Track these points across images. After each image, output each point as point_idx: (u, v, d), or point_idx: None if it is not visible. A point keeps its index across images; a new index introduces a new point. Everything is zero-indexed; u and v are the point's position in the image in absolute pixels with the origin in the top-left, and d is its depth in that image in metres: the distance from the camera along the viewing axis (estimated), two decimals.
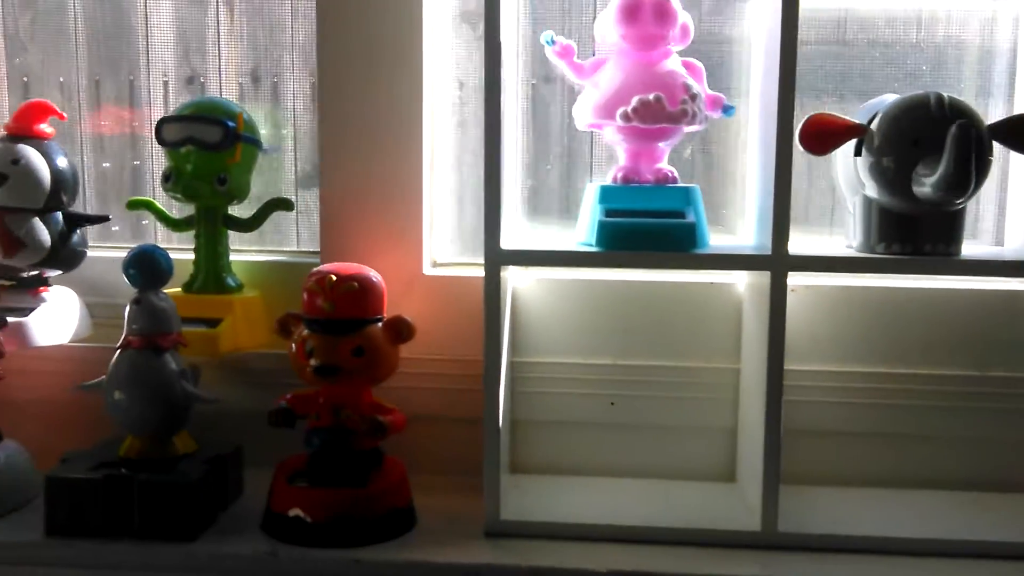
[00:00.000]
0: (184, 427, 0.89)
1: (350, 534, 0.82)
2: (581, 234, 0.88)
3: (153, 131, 0.98)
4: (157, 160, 1.12)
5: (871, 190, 0.82)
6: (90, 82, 1.12)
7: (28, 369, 0.97)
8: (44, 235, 0.96)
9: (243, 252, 1.07)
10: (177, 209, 1.05)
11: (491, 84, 0.79)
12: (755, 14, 0.92)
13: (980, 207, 1.00)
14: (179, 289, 1.00)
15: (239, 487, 0.93)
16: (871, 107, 0.83)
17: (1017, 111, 0.95)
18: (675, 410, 0.97)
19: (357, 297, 0.84)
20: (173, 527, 0.82)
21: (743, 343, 0.95)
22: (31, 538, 0.83)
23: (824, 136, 0.81)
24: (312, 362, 0.84)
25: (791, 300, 0.82)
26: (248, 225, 1.01)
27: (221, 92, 1.10)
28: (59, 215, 0.99)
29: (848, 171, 0.85)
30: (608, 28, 0.86)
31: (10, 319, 0.94)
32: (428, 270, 0.99)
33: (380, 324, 0.86)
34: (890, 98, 0.83)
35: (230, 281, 1.01)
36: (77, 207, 1.01)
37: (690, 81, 0.85)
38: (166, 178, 0.97)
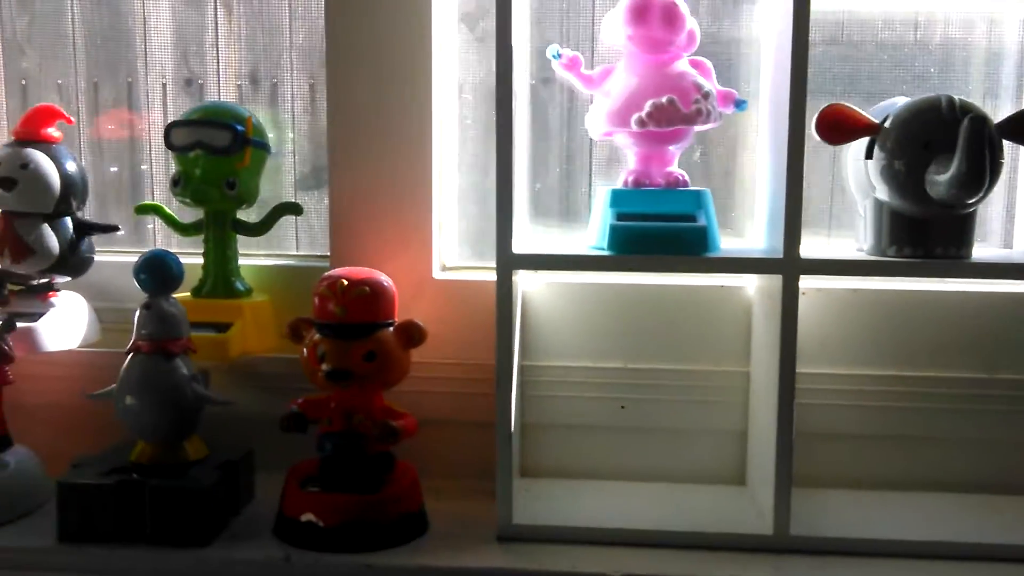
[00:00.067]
0: (195, 432, 0.89)
1: (362, 539, 0.82)
2: (592, 238, 0.88)
3: (162, 135, 0.97)
4: (157, 163, 1.12)
5: (882, 193, 0.82)
6: (88, 85, 1.12)
7: (37, 374, 0.97)
8: (53, 242, 0.96)
9: (251, 256, 1.06)
10: (177, 209, 1.04)
11: (503, 88, 0.79)
12: (764, 16, 0.92)
13: (988, 210, 1.00)
14: (188, 294, 0.99)
15: (250, 492, 0.93)
16: (881, 110, 0.83)
17: None
18: (685, 413, 0.97)
19: (369, 301, 0.84)
20: (186, 533, 0.82)
21: (753, 346, 0.95)
22: (43, 543, 0.83)
23: (841, 127, 0.81)
24: (324, 367, 0.84)
25: (801, 303, 0.82)
26: (257, 229, 1.01)
27: (220, 94, 1.10)
28: (68, 222, 0.99)
29: (859, 174, 0.85)
30: (615, 29, 0.86)
31: (20, 324, 0.93)
32: (437, 274, 0.99)
33: (392, 328, 0.86)
34: (900, 101, 0.83)
35: (239, 285, 1.01)
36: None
37: (701, 80, 0.85)
38: (175, 182, 0.97)
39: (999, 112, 0.98)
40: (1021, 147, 0.97)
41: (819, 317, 0.95)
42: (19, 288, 0.99)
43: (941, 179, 0.75)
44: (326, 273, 0.87)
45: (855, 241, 0.90)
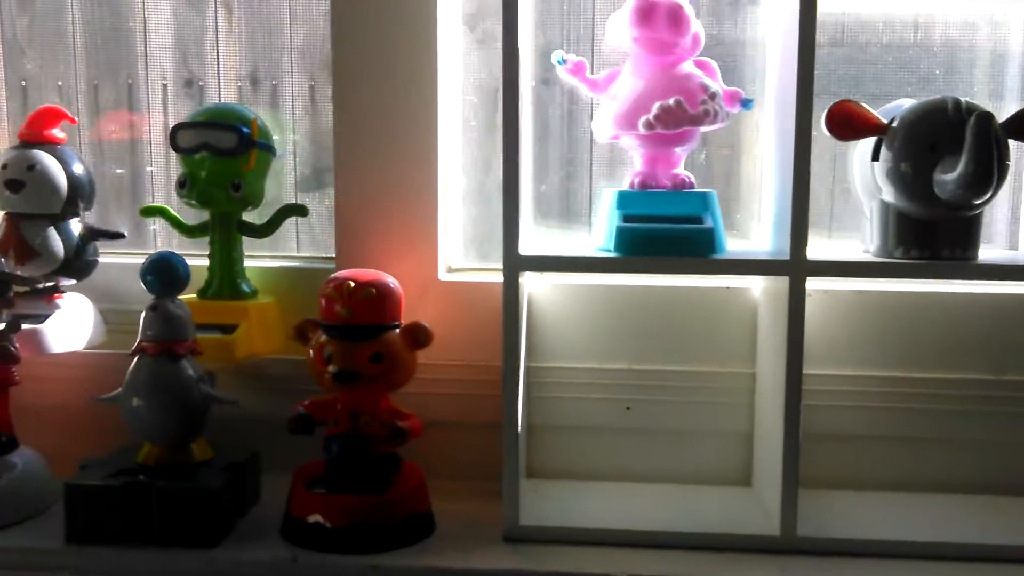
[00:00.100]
0: (202, 434, 0.89)
1: (369, 540, 0.82)
2: (598, 239, 0.88)
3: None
4: (157, 164, 1.12)
5: (888, 195, 0.82)
6: (89, 86, 1.12)
7: (43, 376, 0.97)
8: (58, 246, 0.96)
9: (256, 258, 1.06)
10: (177, 208, 1.05)
11: (509, 90, 0.79)
12: (769, 18, 0.93)
13: (994, 212, 1.00)
14: (194, 295, 1.00)
15: (256, 493, 0.93)
16: (887, 112, 0.84)
17: None
18: (690, 414, 0.98)
19: (375, 303, 0.84)
20: (193, 534, 0.82)
21: (759, 348, 0.95)
22: (51, 545, 0.83)
23: (850, 124, 0.81)
24: (330, 368, 0.84)
25: (807, 304, 0.82)
26: (263, 231, 1.01)
27: (220, 95, 1.10)
28: (74, 226, 0.99)
29: (865, 176, 0.85)
30: (621, 30, 0.86)
31: (25, 326, 0.94)
32: (443, 276, 0.99)
33: (398, 330, 0.86)
34: (906, 103, 0.83)
35: (244, 287, 1.01)
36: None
37: (707, 80, 0.85)
38: (180, 184, 0.97)
39: (1003, 114, 0.98)
40: None
41: (825, 318, 0.95)
42: (25, 290, 0.99)
43: (949, 178, 0.75)
44: (332, 275, 0.87)
45: (861, 243, 0.90)
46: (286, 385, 0.95)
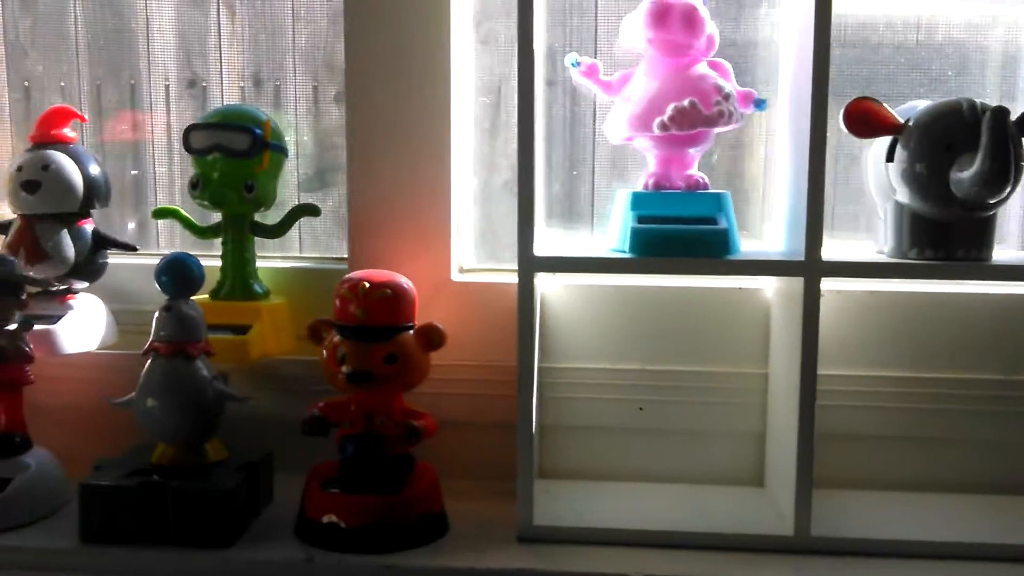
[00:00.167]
0: (216, 434, 0.89)
1: (384, 540, 0.83)
2: (612, 240, 0.88)
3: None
4: (159, 164, 1.12)
5: (903, 196, 0.82)
6: (91, 86, 1.12)
7: (56, 376, 0.97)
8: (69, 250, 0.97)
9: (267, 259, 1.06)
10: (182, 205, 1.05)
11: (524, 91, 0.79)
12: (782, 19, 0.93)
13: (1006, 212, 1.00)
14: (206, 296, 1.00)
15: (269, 494, 0.93)
16: (901, 113, 0.84)
17: None
18: (703, 415, 0.98)
19: (390, 304, 0.85)
20: (208, 534, 0.82)
21: (771, 348, 0.95)
22: (65, 545, 0.83)
23: (868, 121, 0.81)
24: (344, 369, 0.84)
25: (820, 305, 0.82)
26: (275, 231, 1.01)
27: (223, 96, 1.10)
28: (89, 232, 0.99)
29: (879, 177, 0.85)
30: (635, 32, 0.86)
31: (38, 327, 0.94)
32: (456, 276, 0.99)
33: (412, 331, 0.86)
34: (920, 104, 0.83)
35: (257, 288, 1.01)
36: None
37: (721, 81, 0.85)
38: (193, 185, 0.98)
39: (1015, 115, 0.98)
40: None
41: (837, 319, 0.95)
42: (37, 291, 0.99)
43: (965, 175, 0.75)
44: (347, 275, 0.87)
45: (874, 243, 0.91)
46: (299, 385, 0.95)
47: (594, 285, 0.98)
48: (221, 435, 0.90)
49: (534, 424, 0.84)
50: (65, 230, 0.97)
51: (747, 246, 0.91)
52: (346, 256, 1.00)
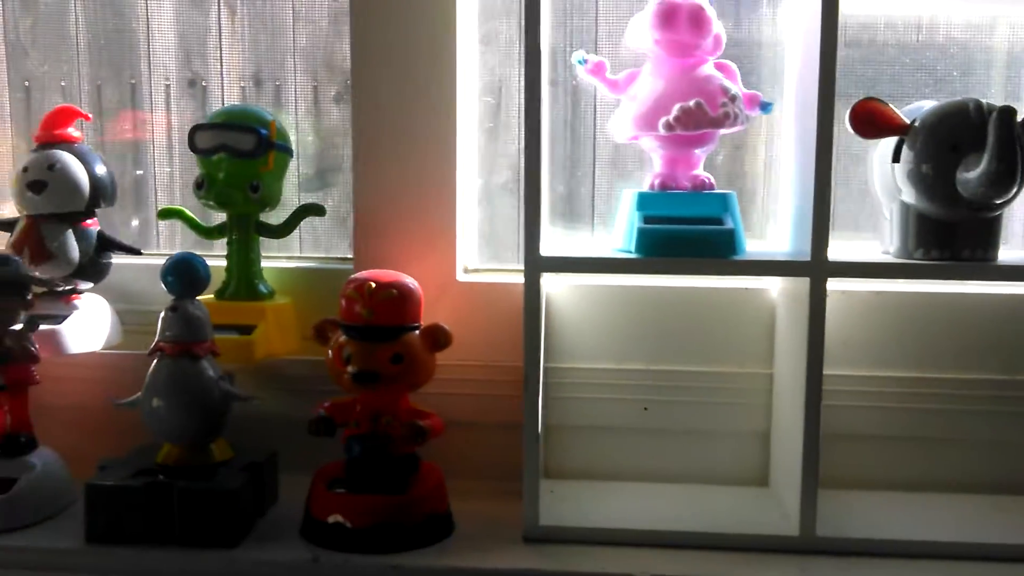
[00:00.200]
0: (222, 434, 0.89)
1: (390, 540, 0.83)
2: (617, 240, 0.88)
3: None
4: (160, 164, 1.12)
5: (909, 196, 0.82)
6: (92, 86, 1.12)
7: (61, 376, 0.97)
8: (74, 252, 0.97)
9: (270, 259, 1.06)
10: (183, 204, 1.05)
11: (531, 90, 0.79)
12: (788, 19, 0.93)
13: (1010, 211, 1.00)
14: (211, 296, 1.00)
15: (274, 494, 0.93)
16: (907, 113, 0.84)
17: None
18: (707, 415, 0.98)
19: (396, 304, 0.85)
20: (214, 534, 0.82)
21: (776, 348, 0.95)
22: (71, 545, 0.83)
23: (874, 122, 0.82)
24: (350, 368, 0.84)
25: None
26: (281, 231, 1.01)
27: (223, 96, 1.10)
28: (95, 233, 0.99)
29: (885, 177, 0.85)
30: (641, 33, 0.86)
31: (43, 327, 0.94)
32: (460, 276, 0.99)
33: (418, 332, 0.86)
34: (926, 105, 0.83)
35: (262, 288, 1.01)
36: None
37: (727, 83, 0.85)
38: (198, 185, 0.98)
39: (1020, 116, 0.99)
40: None
41: (841, 319, 0.95)
42: (43, 291, 0.99)
43: (972, 176, 0.75)
44: (353, 275, 0.87)
45: (879, 243, 0.91)
46: (303, 385, 0.95)
47: (599, 285, 0.98)
48: (226, 435, 0.90)
49: (539, 424, 0.84)
50: (70, 230, 0.97)
51: (751, 246, 0.91)
52: (346, 255, 1.00)
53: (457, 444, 0.93)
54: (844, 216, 1.01)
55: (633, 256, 0.83)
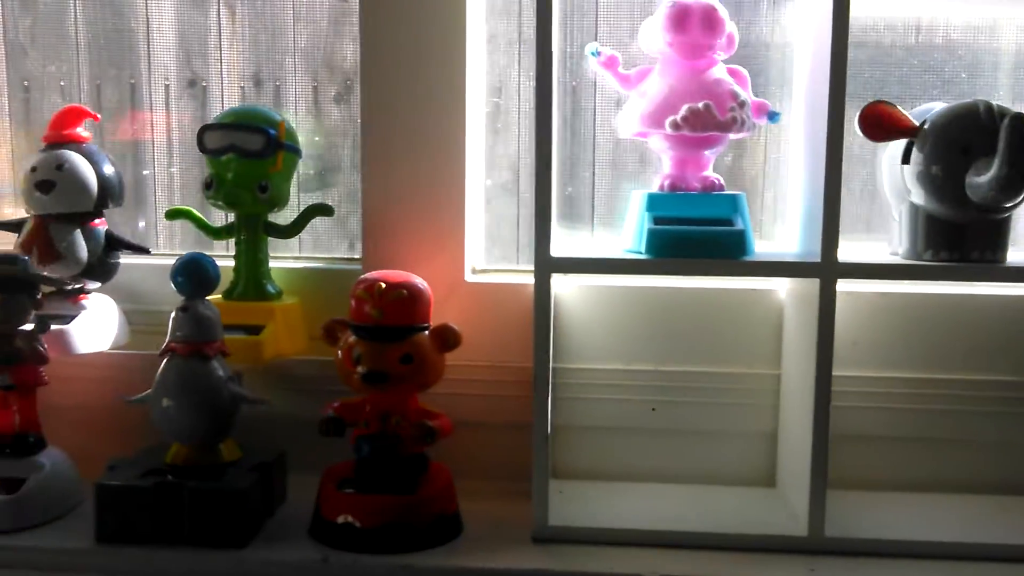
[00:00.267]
0: (231, 434, 0.89)
1: (399, 540, 0.83)
2: (627, 241, 0.88)
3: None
4: (160, 164, 1.12)
5: (918, 197, 0.82)
6: (91, 86, 1.12)
7: (69, 376, 0.97)
8: (83, 252, 0.97)
9: (278, 259, 1.06)
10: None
11: (542, 92, 0.79)
12: (798, 20, 0.93)
13: (1019, 213, 1.00)
14: (219, 296, 1.00)
15: (283, 494, 0.93)
16: (916, 115, 0.84)
17: None
18: (715, 415, 0.98)
19: (406, 304, 0.85)
20: (224, 534, 0.82)
21: (784, 349, 0.95)
22: (80, 545, 0.83)
23: (883, 125, 0.82)
24: (359, 369, 0.84)
25: None
26: (289, 231, 1.01)
27: (223, 96, 1.10)
28: (103, 233, 0.99)
29: (895, 178, 0.85)
30: (654, 35, 0.86)
31: (52, 327, 0.94)
32: (469, 277, 1.00)
33: (427, 332, 0.86)
34: (936, 106, 0.83)
35: (270, 288, 1.01)
36: None
37: (737, 88, 0.85)
38: (207, 185, 0.98)
39: None
40: None
41: (849, 320, 0.95)
42: (51, 290, 0.99)
43: (982, 180, 0.76)
44: (362, 276, 0.87)
45: (888, 244, 0.91)
46: (312, 385, 0.95)
47: (607, 286, 0.98)
48: (235, 435, 0.90)
49: (548, 425, 0.84)
50: (79, 230, 0.97)
51: (759, 247, 0.91)
52: (349, 255, 1.00)
53: (466, 444, 0.93)
54: (848, 218, 1.00)
55: (643, 257, 0.83)
